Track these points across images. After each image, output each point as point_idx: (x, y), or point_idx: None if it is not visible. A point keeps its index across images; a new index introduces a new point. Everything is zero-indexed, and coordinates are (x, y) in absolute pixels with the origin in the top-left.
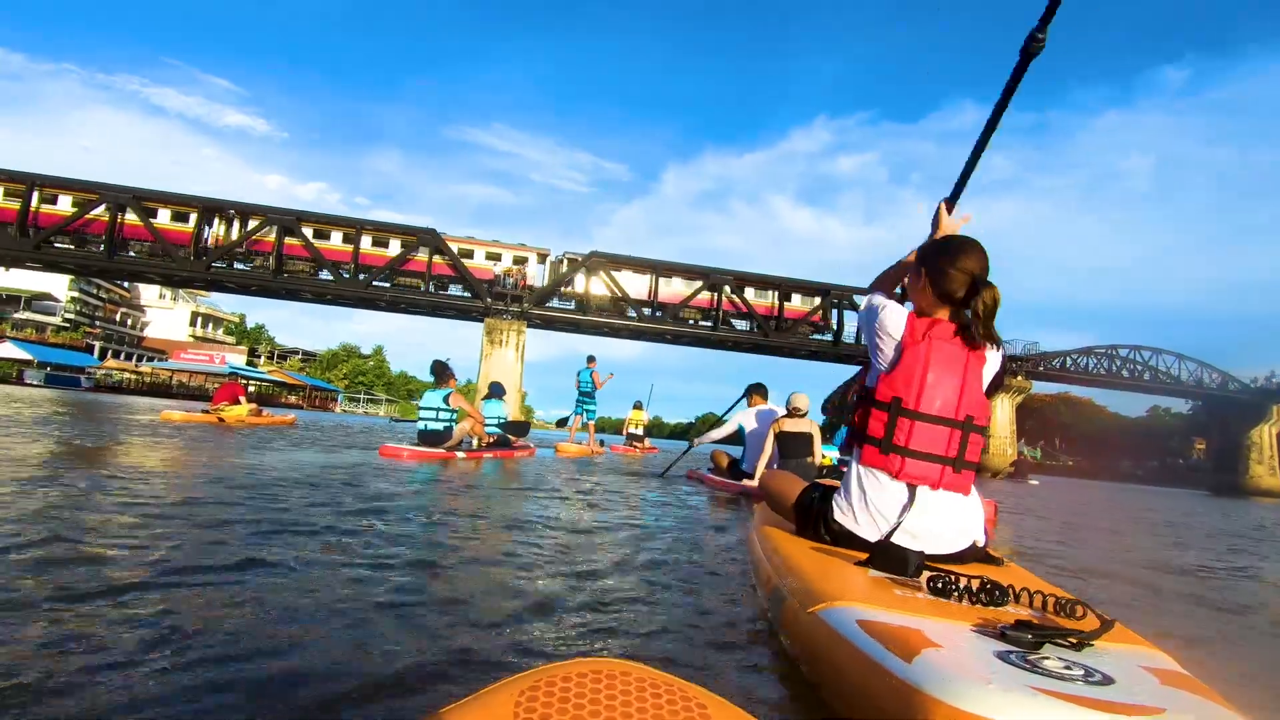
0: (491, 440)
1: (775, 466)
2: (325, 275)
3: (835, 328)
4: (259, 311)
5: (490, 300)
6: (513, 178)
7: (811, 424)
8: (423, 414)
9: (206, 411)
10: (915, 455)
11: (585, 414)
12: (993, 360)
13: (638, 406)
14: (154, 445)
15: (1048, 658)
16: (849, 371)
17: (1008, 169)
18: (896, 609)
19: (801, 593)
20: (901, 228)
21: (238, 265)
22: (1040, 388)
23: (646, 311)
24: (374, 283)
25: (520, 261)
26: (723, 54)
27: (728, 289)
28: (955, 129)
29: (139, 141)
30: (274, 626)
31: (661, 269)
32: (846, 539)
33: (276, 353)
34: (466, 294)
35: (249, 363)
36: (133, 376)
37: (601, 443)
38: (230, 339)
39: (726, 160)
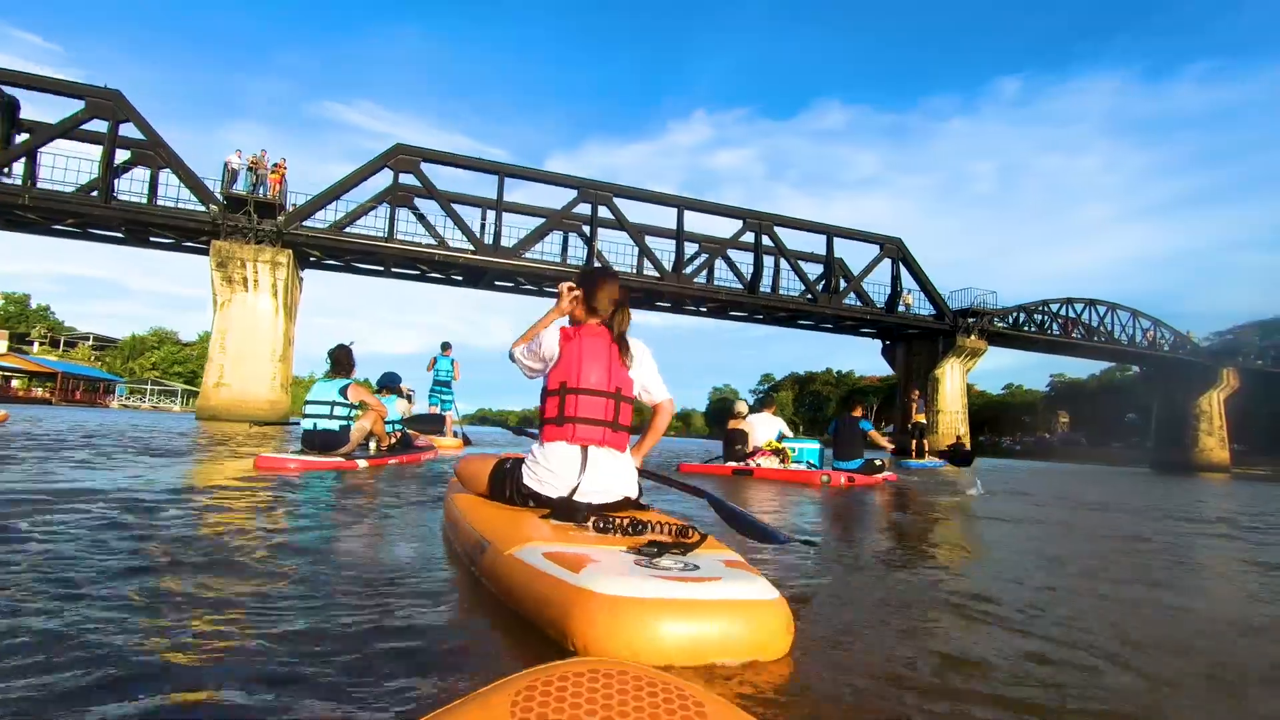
0: (393, 441)
1: (722, 452)
2: None
3: (827, 277)
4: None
5: (221, 210)
6: None
7: (748, 424)
8: (311, 410)
9: None
10: (583, 421)
11: (441, 404)
12: (640, 358)
13: None
14: None
15: (663, 560)
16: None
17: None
18: (571, 543)
19: (501, 540)
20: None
21: None
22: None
23: (489, 243)
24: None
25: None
26: (608, 43)
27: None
28: (826, 127)
29: None
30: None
31: (507, 172)
32: (532, 499)
33: (64, 339)
34: (197, 204)
35: (13, 348)
36: None
37: (458, 434)
38: None
39: (610, 150)
